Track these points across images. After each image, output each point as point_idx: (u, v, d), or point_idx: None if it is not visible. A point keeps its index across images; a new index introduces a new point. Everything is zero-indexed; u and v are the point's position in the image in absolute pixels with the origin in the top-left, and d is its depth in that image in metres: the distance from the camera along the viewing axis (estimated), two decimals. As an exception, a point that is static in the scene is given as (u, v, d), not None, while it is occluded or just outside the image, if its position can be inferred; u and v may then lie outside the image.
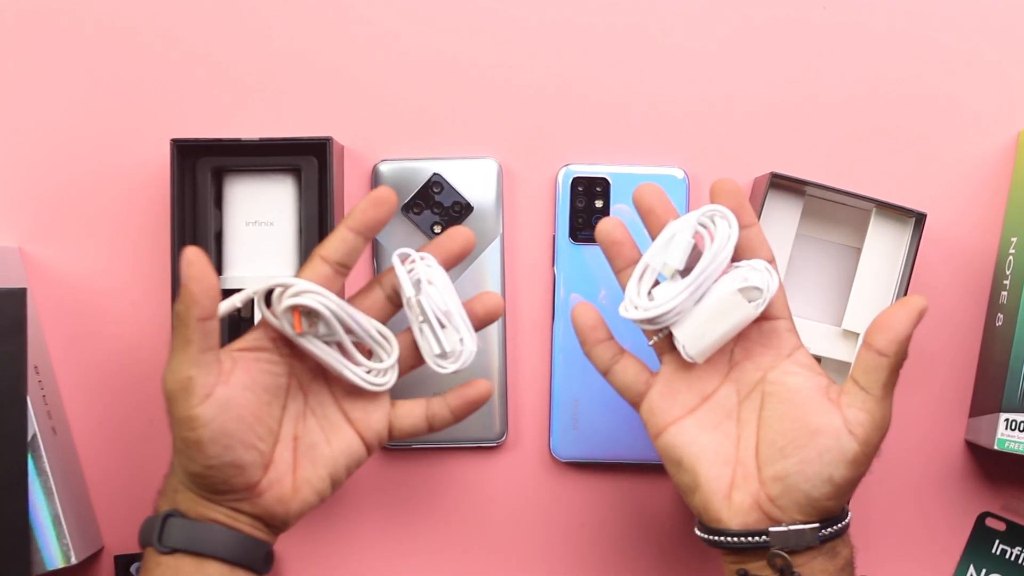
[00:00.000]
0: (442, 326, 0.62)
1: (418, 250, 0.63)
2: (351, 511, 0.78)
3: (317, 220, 0.73)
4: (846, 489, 0.58)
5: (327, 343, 0.61)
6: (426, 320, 0.62)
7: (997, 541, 0.77)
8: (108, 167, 0.77)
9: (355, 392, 0.63)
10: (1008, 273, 0.74)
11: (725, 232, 0.59)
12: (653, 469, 0.77)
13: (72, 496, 0.74)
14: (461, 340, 0.62)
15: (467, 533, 0.78)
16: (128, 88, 0.77)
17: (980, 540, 0.77)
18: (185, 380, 0.57)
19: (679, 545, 0.77)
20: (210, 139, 0.73)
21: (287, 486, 0.61)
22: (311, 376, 0.63)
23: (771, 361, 0.61)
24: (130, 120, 0.77)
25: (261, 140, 0.72)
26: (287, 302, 0.59)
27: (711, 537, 0.60)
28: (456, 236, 0.63)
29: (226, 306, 0.60)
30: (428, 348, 0.62)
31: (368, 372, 0.62)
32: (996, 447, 0.71)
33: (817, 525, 0.58)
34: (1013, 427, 0.71)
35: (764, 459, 0.59)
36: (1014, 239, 0.74)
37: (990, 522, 0.77)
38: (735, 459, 0.60)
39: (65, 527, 0.72)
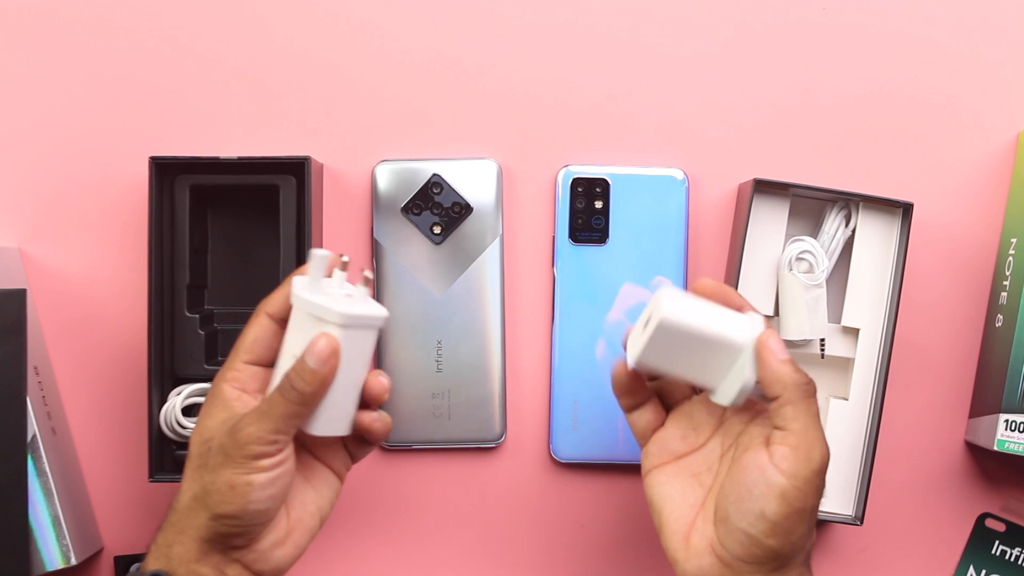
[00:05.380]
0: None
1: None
2: (350, 511, 0.78)
3: (295, 239, 0.73)
4: (784, 525, 0.57)
5: None
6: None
7: (997, 542, 0.77)
8: (108, 170, 0.77)
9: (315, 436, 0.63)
10: (1008, 274, 0.74)
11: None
12: (653, 470, 0.77)
13: (72, 497, 0.74)
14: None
15: (466, 534, 0.78)
16: (128, 98, 0.77)
17: (980, 541, 0.77)
18: (271, 438, 0.58)
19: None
20: (188, 157, 0.73)
21: (282, 529, 0.61)
22: None
23: (751, 416, 0.62)
24: (130, 127, 0.77)
25: (239, 159, 0.73)
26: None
27: None
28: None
29: None
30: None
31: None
32: (996, 448, 0.71)
33: None
34: (1013, 428, 0.71)
35: (715, 504, 0.60)
36: (1014, 240, 0.74)
37: (990, 523, 0.77)
38: (700, 505, 0.61)
39: (65, 528, 0.72)
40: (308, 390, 0.58)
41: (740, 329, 0.60)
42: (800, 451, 0.57)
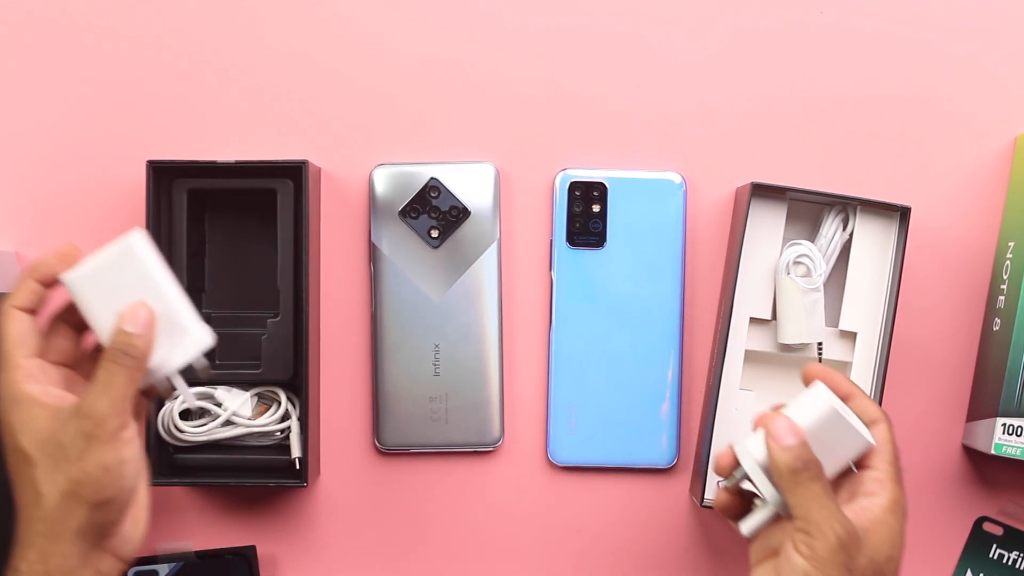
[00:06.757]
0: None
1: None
2: (347, 515, 0.77)
3: (292, 242, 0.73)
4: None
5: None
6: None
7: (995, 545, 0.77)
8: (105, 174, 0.77)
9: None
10: (1005, 277, 0.74)
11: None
12: (649, 473, 0.77)
13: (69, 501, 0.74)
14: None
15: (464, 537, 0.78)
16: (125, 102, 0.77)
17: (978, 544, 0.77)
18: (122, 406, 0.58)
19: (676, 550, 0.77)
20: (185, 161, 0.73)
21: (128, 519, 0.61)
22: None
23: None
24: (128, 131, 0.77)
25: (236, 163, 0.73)
26: None
27: None
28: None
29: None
30: None
31: None
32: (993, 452, 0.71)
33: None
34: (1010, 432, 0.71)
35: None
36: (1011, 243, 0.74)
37: (987, 526, 0.77)
38: None
39: (62, 532, 0.72)
40: (139, 353, 0.59)
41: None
42: (811, 534, 0.58)
